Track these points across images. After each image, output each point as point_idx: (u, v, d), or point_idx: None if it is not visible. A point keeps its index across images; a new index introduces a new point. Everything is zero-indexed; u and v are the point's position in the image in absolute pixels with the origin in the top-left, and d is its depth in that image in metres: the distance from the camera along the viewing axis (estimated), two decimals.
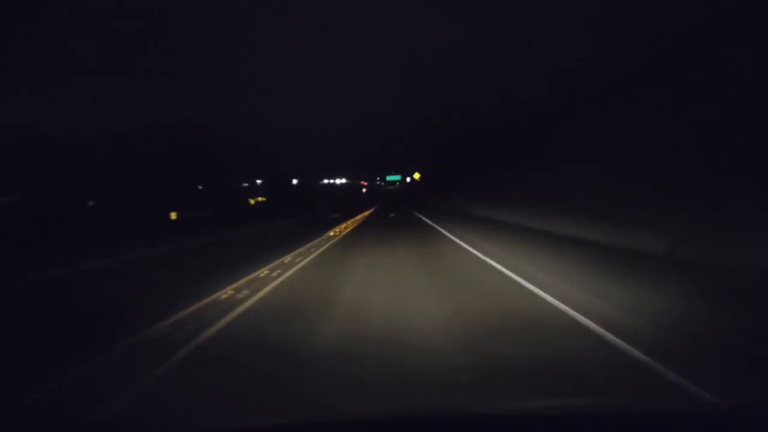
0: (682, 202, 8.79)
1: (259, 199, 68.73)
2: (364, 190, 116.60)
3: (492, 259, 10.44)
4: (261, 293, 7.34)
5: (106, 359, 4.44)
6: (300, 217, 35.14)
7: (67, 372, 4.05)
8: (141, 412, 3.35)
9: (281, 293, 7.42)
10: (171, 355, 4.47)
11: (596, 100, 13.08)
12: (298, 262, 10.79)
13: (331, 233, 18.89)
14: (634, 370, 3.85)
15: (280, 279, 8.66)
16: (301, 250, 13.34)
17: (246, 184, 74.27)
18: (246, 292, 7.46)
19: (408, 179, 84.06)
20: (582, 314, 5.49)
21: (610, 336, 4.66)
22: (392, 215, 35.29)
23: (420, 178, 69.00)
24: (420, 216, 31.58)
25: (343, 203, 62.56)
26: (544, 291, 6.88)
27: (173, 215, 29.99)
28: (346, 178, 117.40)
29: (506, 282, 7.93)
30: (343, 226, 23.15)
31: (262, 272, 9.41)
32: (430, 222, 25.03)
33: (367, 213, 40.80)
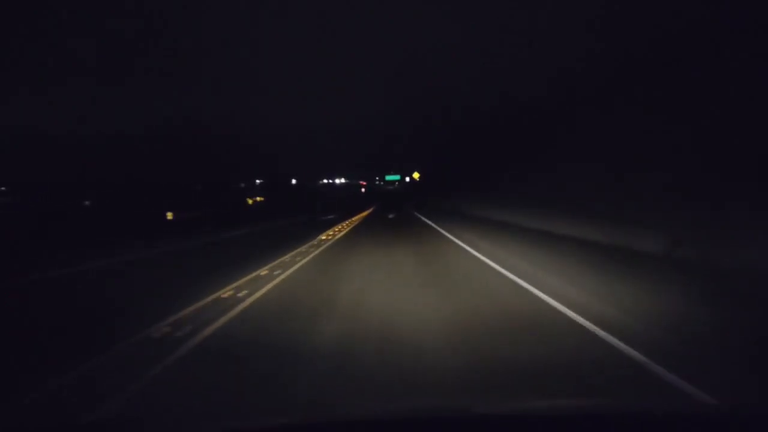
0: (682, 202, 8.78)
1: (258, 198, 68.74)
2: (363, 190, 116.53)
3: (492, 259, 10.43)
4: (260, 292, 7.34)
5: (106, 359, 4.44)
6: (299, 217, 34.61)
7: (67, 372, 4.05)
8: (141, 412, 3.35)
9: (281, 292, 7.42)
10: (171, 355, 4.47)
11: (596, 100, 13.08)
12: (298, 261, 10.80)
13: (323, 237, 18.69)
14: (634, 370, 3.85)
15: (281, 277, 8.67)
16: (291, 254, 13.32)
17: (243, 185, 74.30)
18: (246, 291, 7.46)
19: (407, 179, 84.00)
20: (582, 314, 5.49)
21: (609, 336, 4.65)
22: (391, 216, 33.83)
23: (419, 177, 68.88)
24: (420, 216, 31.56)
25: (342, 203, 61.84)
26: (544, 291, 6.88)
27: (169, 215, 29.89)
28: (346, 178, 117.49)
29: (506, 282, 7.93)
30: (338, 227, 22.64)
31: (263, 271, 9.42)
32: (430, 222, 25.03)
33: (365, 214, 39.59)
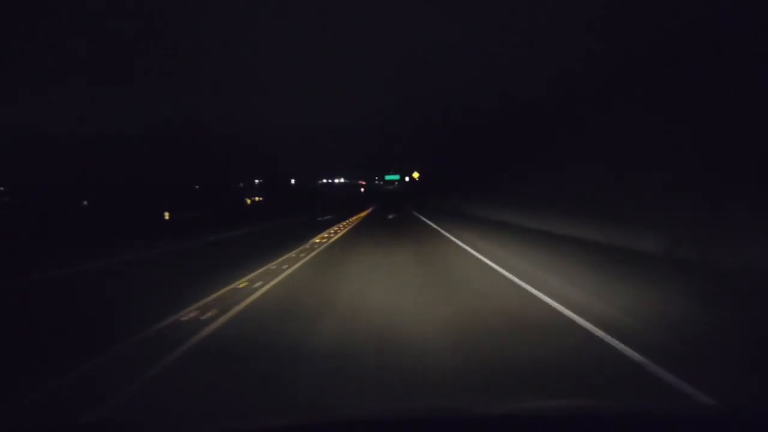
0: (682, 202, 8.79)
1: (256, 198, 68.77)
2: (362, 189, 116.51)
3: (492, 259, 10.43)
4: (261, 291, 7.35)
5: (106, 359, 4.44)
6: (297, 218, 34.12)
7: (67, 372, 4.05)
8: (141, 412, 3.35)
9: (280, 290, 7.43)
10: (171, 355, 4.47)
11: (596, 100, 13.08)
12: (284, 271, 10.79)
13: (317, 240, 18.67)
14: (634, 370, 3.85)
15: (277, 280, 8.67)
16: (290, 255, 13.27)
17: (242, 184, 74.32)
18: (245, 292, 7.46)
19: (407, 179, 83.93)
20: (582, 314, 5.49)
21: (609, 336, 4.65)
22: (391, 216, 32.99)
23: (419, 177, 68.82)
24: (419, 216, 31.52)
25: (342, 203, 61.48)
26: (544, 291, 6.88)
27: (166, 215, 29.84)
28: (345, 177, 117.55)
29: (506, 282, 7.93)
30: (334, 229, 22.09)
31: (241, 284, 9.42)
32: (429, 222, 25.02)
33: (363, 214, 38.51)
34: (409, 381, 3.75)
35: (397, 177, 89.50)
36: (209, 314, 6.04)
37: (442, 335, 4.93)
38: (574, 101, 14.72)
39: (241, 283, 8.21)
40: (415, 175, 70.42)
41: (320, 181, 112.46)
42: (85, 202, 38.06)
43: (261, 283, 8.14)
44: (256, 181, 78.05)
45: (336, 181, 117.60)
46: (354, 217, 32.62)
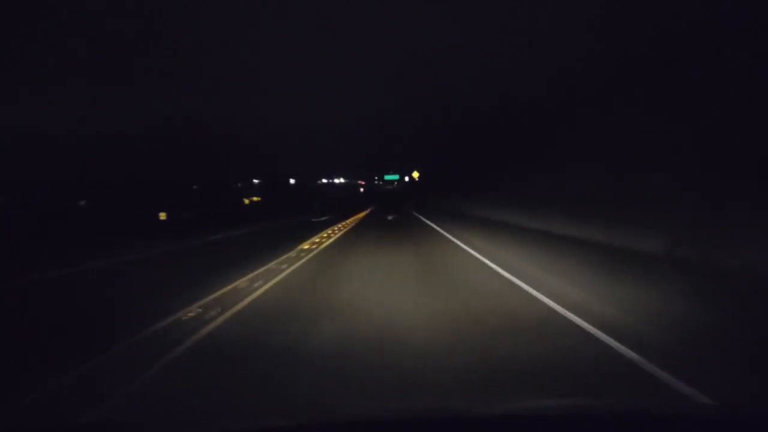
0: (682, 202, 8.79)
1: (254, 198, 68.75)
2: (361, 189, 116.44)
3: (492, 259, 10.43)
4: (260, 291, 7.35)
5: (106, 359, 4.44)
6: (297, 218, 33.90)
7: (67, 372, 4.05)
8: (141, 412, 3.35)
9: (280, 288, 7.43)
10: (171, 355, 4.47)
11: (596, 100, 13.08)
12: (284, 269, 10.80)
13: (308, 245, 18.72)
14: (634, 370, 3.85)
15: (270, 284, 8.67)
16: (271, 266, 13.30)
17: (240, 184, 74.32)
18: (245, 291, 7.46)
19: (407, 179, 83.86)
20: (581, 314, 5.49)
21: (609, 336, 4.65)
22: (390, 218, 31.70)
23: (419, 177, 68.77)
24: (419, 216, 31.47)
25: (342, 203, 61.21)
26: (544, 291, 6.88)
27: (162, 215, 29.74)
28: (345, 178, 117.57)
29: (506, 283, 7.92)
30: (330, 231, 20.84)
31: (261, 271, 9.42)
32: (429, 222, 25.01)
33: (362, 215, 36.84)
34: (409, 381, 3.75)
35: (396, 177, 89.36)
36: (210, 314, 6.04)
37: (442, 335, 4.93)
38: (574, 101, 14.73)
39: (241, 282, 8.21)
40: (415, 175, 70.39)
41: (320, 181, 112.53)
42: (83, 202, 37.99)
43: (261, 282, 8.15)
44: (255, 181, 78.03)
45: (335, 181, 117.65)
46: (351, 218, 31.49)
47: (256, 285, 8.03)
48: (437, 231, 19.32)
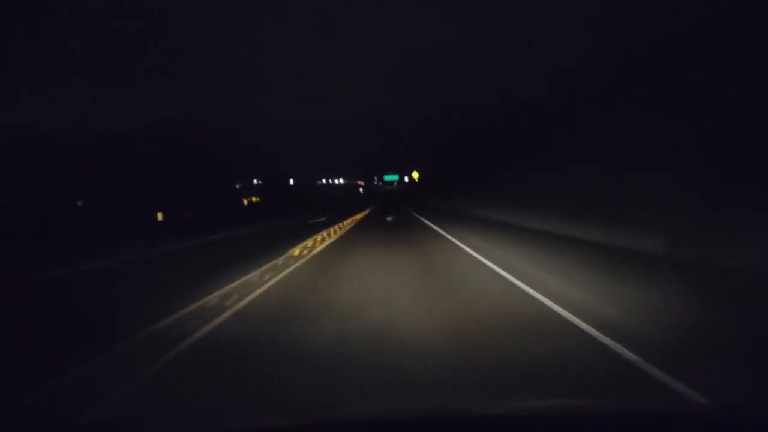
0: (682, 202, 8.79)
1: (253, 199, 68.78)
2: (361, 190, 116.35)
3: (492, 260, 10.43)
4: (260, 291, 7.35)
5: (106, 359, 4.44)
6: (297, 218, 33.77)
7: (67, 372, 4.05)
8: (141, 412, 3.35)
9: (281, 287, 7.43)
10: (171, 355, 4.47)
11: (596, 100, 13.08)
12: (267, 282, 10.79)
13: (307, 245, 18.70)
14: (634, 370, 3.85)
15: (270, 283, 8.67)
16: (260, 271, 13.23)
17: (238, 185, 74.30)
18: (245, 291, 7.46)
19: (407, 179, 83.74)
20: (581, 314, 5.49)
21: (609, 336, 4.65)
22: (389, 219, 30.70)
23: (419, 177, 68.70)
24: (419, 217, 31.46)
25: (342, 203, 60.90)
26: (544, 291, 6.87)
27: (159, 216, 29.70)
28: (345, 178, 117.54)
29: (506, 283, 7.93)
30: (327, 232, 19.62)
31: (256, 274, 9.42)
32: (429, 223, 25.01)
33: (360, 216, 35.66)
34: (409, 381, 3.75)
35: (396, 177, 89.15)
36: (210, 313, 6.04)
37: (442, 335, 4.93)
38: (574, 101, 14.72)
39: (241, 281, 8.21)
40: (415, 175, 70.29)
41: (319, 182, 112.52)
42: (80, 203, 37.95)
43: (261, 281, 8.15)
44: (255, 181, 78.00)
45: (336, 181, 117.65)
46: (350, 219, 30.44)
47: (257, 284, 8.03)
48: (437, 231, 19.32)
